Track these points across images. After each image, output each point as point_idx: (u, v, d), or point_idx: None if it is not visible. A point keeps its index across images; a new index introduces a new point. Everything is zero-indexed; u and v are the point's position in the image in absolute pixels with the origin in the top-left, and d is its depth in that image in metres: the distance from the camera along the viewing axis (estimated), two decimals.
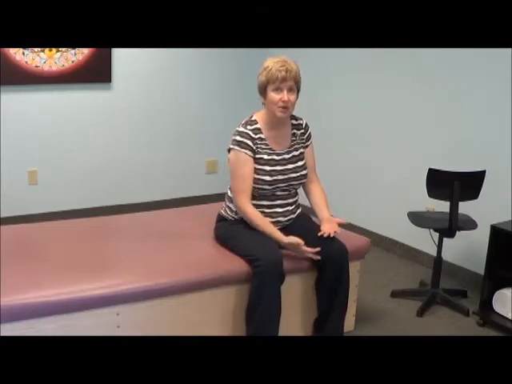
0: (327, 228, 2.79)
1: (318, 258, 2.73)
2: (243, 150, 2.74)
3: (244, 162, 2.75)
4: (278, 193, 2.84)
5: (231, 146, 2.78)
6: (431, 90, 3.96)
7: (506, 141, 3.54)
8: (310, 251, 2.72)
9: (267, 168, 2.78)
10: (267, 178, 2.77)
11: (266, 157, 2.79)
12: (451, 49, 3.66)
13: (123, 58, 4.59)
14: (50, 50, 4.27)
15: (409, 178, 4.11)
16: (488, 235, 3.28)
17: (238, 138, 2.77)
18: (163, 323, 2.60)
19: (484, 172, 3.29)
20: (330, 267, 2.78)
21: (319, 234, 2.78)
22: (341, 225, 2.88)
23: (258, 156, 2.77)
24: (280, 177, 2.80)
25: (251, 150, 2.75)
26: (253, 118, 2.83)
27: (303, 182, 2.92)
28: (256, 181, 2.77)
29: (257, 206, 2.81)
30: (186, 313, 2.66)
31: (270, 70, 2.70)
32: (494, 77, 3.57)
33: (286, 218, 2.89)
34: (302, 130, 2.93)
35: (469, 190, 3.28)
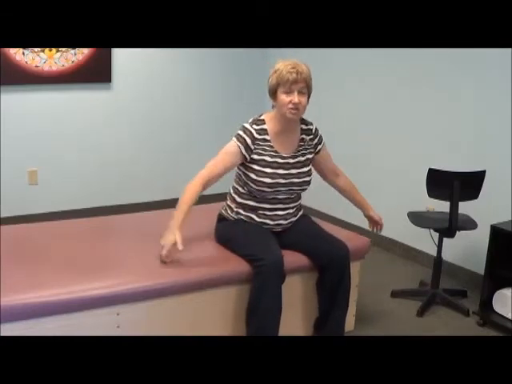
0: (375, 224, 3.24)
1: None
2: (238, 144, 2.73)
3: (232, 153, 2.74)
4: (280, 196, 2.82)
5: (233, 137, 2.77)
6: (431, 90, 3.96)
7: (506, 141, 3.54)
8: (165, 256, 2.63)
9: (268, 170, 2.76)
10: (267, 180, 2.75)
11: (268, 159, 2.77)
12: (451, 49, 3.67)
13: (123, 58, 4.60)
14: (50, 50, 4.27)
15: (409, 178, 4.11)
16: (488, 235, 3.28)
17: (241, 132, 2.76)
18: (163, 323, 2.60)
19: (484, 172, 3.29)
20: (332, 267, 2.78)
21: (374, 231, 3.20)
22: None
23: (259, 157, 2.76)
24: (281, 180, 2.78)
25: (246, 147, 2.73)
26: (261, 118, 2.81)
27: (305, 189, 2.89)
28: (256, 182, 2.76)
29: (257, 208, 2.81)
30: (186, 313, 2.66)
31: (281, 72, 2.66)
32: (494, 77, 3.58)
33: (286, 221, 2.88)
34: (311, 136, 2.90)
35: (469, 190, 3.28)
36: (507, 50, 3.44)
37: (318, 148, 2.92)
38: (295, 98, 2.66)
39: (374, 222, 3.21)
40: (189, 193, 2.71)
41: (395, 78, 4.19)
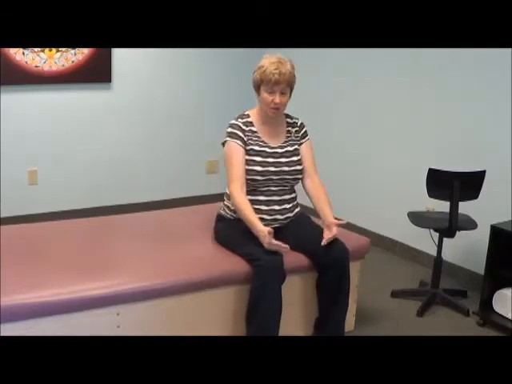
0: (327, 235, 2.76)
1: (287, 247, 2.63)
2: (234, 140, 2.81)
3: (235, 150, 2.80)
4: (273, 188, 2.84)
5: (225, 139, 2.85)
6: (431, 90, 3.96)
7: (506, 141, 3.54)
8: (277, 244, 2.62)
9: (257, 159, 2.81)
10: (258, 168, 2.79)
11: (256, 148, 2.83)
12: (451, 49, 3.67)
13: (123, 58, 4.59)
14: (50, 50, 4.27)
15: (409, 178, 4.11)
16: (488, 235, 3.28)
17: (230, 129, 2.84)
18: (163, 323, 2.60)
19: (484, 172, 3.29)
20: (331, 267, 2.78)
21: (322, 244, 2.73)
22: (342, 224, 2.85)
23: (248, 147, 2.82)
24: (272, 168, 2.82)
25: (242, 140, 2.81)
26: (245, 113, 2.91)
27: (298, 178, 2.92)
28: (247, 171, 2.79)
29: (253, 202, 2.81)
30: (186, 313, 2.66)
31: (265, 71, 2.74)
32: (494, 77, 3.58)
33: (283, 216, 2.89)
34: (297, 128, 2.96)
35: (469, 190, 3.28)
36: (507, 50, 3.44)
37: (302, 141, 2.96)
38: (277, 98, 2.76)
39: (328, 228, 2.81)
40: (241, 201, 2.73)
41: (395, 78, 4.19)
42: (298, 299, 2.94)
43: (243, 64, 5.10)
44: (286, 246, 2.63)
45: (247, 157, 2.81)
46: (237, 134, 2.81)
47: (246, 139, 2.82)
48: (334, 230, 2.76)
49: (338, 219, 2.82)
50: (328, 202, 2.91)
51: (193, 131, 5.09)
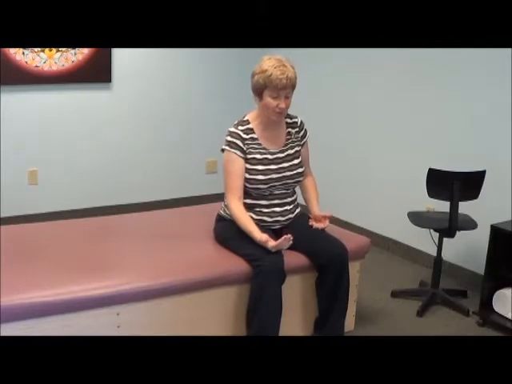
0: (316, 225, 2.86)
1: (289, 237, 2.64)
2: (233, 150, 2.77)
3: (233, 161, 2.77)
4: (276, 192, 2.84)
5: (223, 147, 2.82)
6: (431, 90, 3.96)
7: (506, 141, 3.54)
8: (280, 242, 2.63)
9: (260, 167, 2.79)
10: (260, 177, 2.78)
11: (258, 156, 2.80)
12: (451, 49, 3.66)
13: (123, 58, 4.60)
14: (50, 50, 4.27)
15: (409, 178, 4.11)
16: (488, 235, 3.28)
17: (229, 138, 2.80)
18: (163, 323, 2.60)
19: (484, 172, 3.29)
20: (330, 267, 2.78)
21: (310, 223, 2.87)
22: (335, 221, 2.89)
23: (250, 156, 2.79)
24: (274, 175, 2.80)
25: (241, 150, 2.77)
26: (245, 118, 2.85)
27: (299, 181, 2.92)
28: (250, 180, 2.78)
29: (254, 206, 2.82)
30: (186, 313, 2.66)
31: (270, 75, 2.66)
32: (494, 77, 3.57)
33: (284, 218, 2.89)
34: (297, 129, 2.94)
35: (469, 190, 3.28)
36: (507, 50, 3.44)
37: (303, 141, 2.96)
38: (282, 103, 2.71)
39: (317, 219, 2.91)
40: (239, 213, 2.75)
41: (395, 78, 4.19)
42: (298, 299, 2.94)
43: (243, 64, 5.09)
44: (288, 235, 2.63)
45: (249, 166, 2.78)
46: (236, 143, 2.77)
47: (245, 149, 2.78)
48: (326, 222, 2.86)
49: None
50: (316, 196, 3.00)
51: (193, 131, 5.09)
